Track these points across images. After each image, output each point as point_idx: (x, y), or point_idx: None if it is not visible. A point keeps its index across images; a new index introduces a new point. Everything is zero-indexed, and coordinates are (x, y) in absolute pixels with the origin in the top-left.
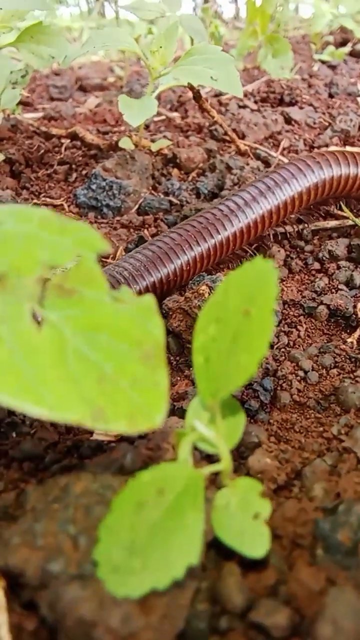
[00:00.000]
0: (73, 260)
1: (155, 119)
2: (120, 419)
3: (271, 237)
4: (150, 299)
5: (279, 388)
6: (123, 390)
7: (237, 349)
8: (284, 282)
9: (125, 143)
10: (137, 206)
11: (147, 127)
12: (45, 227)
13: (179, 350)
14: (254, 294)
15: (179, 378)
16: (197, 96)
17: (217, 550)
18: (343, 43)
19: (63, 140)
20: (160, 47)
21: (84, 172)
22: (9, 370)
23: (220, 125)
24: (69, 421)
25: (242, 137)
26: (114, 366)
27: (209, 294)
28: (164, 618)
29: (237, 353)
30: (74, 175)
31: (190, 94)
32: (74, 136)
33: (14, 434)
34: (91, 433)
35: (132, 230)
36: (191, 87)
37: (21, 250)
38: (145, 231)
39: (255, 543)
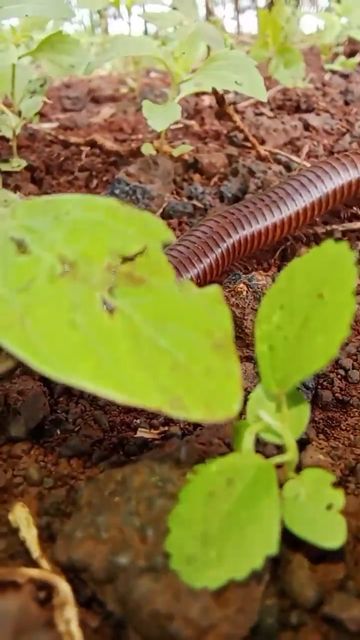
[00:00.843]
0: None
1: (173, 127)
2: (198, 408)
3: (302, 237)
4: (216, 289)
5: (319, 387)
6: (197, 378)
7: (309, 334)
8: None
9: (147, 149)
10: (161, 210)
11: (165, 134)
12: (112, 216)
13: None
14: (327, 276)
15: None
16: (220, 100)
17: (283, 543)
18: (352, 54)
19: (82, 148)
20: (183, 53)
21: (104, 178)
22: (87, 355)
23: (242, 131)
24: (149, 407)
25: (262, 142)
26: (186, 355)
27: (247, 292)
28: (240, 611)
29: (309, 338)
30: (95, 181)
31: (206, 103)
32: (92, 144)
33: (58, 431)
34: (135, 430)
35: None
36: (215, 92)
37: (90, 238)
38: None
39: (331, 533)
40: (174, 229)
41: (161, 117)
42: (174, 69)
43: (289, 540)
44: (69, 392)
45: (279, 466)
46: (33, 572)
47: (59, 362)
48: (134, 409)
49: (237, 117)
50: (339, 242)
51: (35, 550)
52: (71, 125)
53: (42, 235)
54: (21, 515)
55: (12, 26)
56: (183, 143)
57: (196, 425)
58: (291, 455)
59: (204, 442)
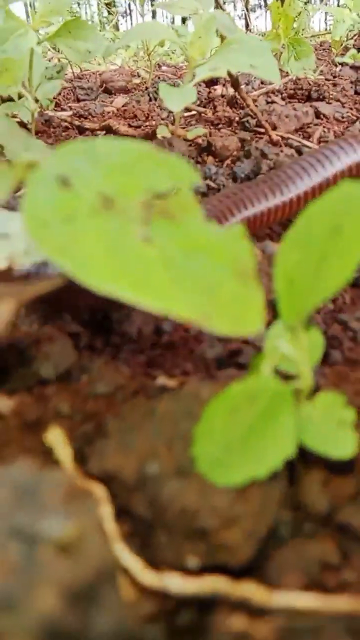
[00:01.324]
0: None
1: (186, 114)
2: (226, 324)
3: None
4: (239, 227)
5: (330, 347)
6: (224, 300)
7: (327, 265)
8: None
9: (163, 131)
10: None
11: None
12: (146, 159)
13: None
14: (344, 210)
15: (228, 340)
16: (235, 83)
17: (298, 461)
18: None
19: (97, 133)
20: (200, 37)
21: None
22: (127, 275)
23: (255, 115)
24: (183, 318)
25: (274, 128)
26: (214, 280)
27: (262, 258)
28: (260, 509)
29: (326, 268)
30: None
31: (218, 92)
32: (107, 129)
33: (85, 376)
34: (154, 378)
35: None
36: (230, 75)
37: (126, 178)
38: None
39: (341, 444)
40: None
41: (177, 98)
42: (189, 53)
43: (304, 458)
44: (92, 347)
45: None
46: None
47: (105, 279)
48: (155, 363)
49: (250, 101)
50: (352, 182)
51: (69, 466)
52: (85, 114)
53: (82, 173)
54: (57, 437)
55: (31, 11)
56: (186, 129)
57: (210, 376)
58: (306, 381)
59: (222, 383)
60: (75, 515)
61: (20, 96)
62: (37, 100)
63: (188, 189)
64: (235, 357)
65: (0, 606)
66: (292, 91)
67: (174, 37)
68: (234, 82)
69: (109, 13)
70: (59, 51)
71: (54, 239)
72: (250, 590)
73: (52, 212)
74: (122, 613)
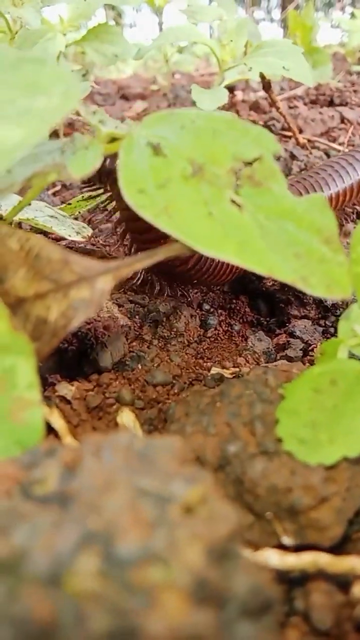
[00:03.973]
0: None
1: None
2: (321, 287)
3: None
4: (320, 196)
5: None
6: (316, 265)
7: None
8: None
9: None
10: None
11: None
12: (230, 126)
13: (269, 312)
14: None
15: (274, 335)
16: (267, 86)
17: None
18: None
19: None
20: (231, 40)
21: None
22: (228, 238)
23: (283, 117)
24: (285, 280)
25: (300, 131)
26: (304, 247)
27: None
28: (349, 490)
29: None
30: None
31: (239, 97)
32: None
33: (139, 366)
34: (208, 370)
35: None
36: (263, 77)
37: (214, 144)
38: None
39: None
40: None
41: (209, 99)
42: (220, 56)
43: None
44: (142, 338)
45: None
46: None
47: (207, 242)
48: (203, 355)
49: (280, 104)
50: None
51: None
52: None
53: (172, 140)
54: (129, 418)
55: (60, 16)
56: None
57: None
58: None
59: (285, 370)
60: (194, 480)
61: None
62: None
63: (271, 157)
64: (284, 350)
65: (153, 560)
66: (314, 97)
67: (206, 40)
68: (266, 84)
69: (117, 24)
70: (83, 54)
71: (152, 204)
72: (353, 563)
73: (147, 179)
74: (254, 571)
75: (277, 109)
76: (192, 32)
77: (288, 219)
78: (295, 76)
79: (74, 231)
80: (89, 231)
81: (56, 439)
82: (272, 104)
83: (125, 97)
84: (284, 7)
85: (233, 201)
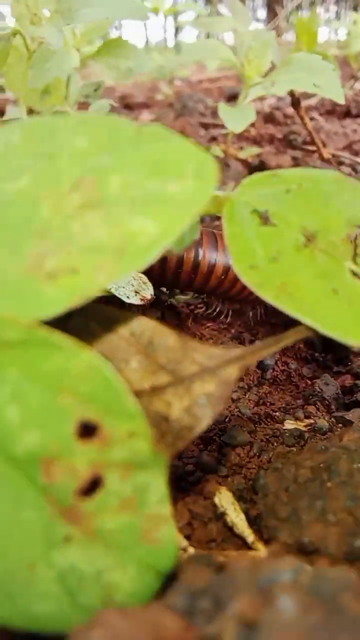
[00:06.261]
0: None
1: (224, 131)
2: None
3: None
4: None
5: None
6: None
7: None
8: None
9: (216, 151)
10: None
11: (214, 138)
12: (340, 188)
13: (324, 348)
14: None
15: (333, 373)
16: (297, 102)
17: None
18: None
19: None
20: (256, 56)
21: None
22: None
23: (310, 133)
24: None
25: (323, 145)
26: None
27: None
28: None
29: None
30: None
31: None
32: None
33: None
34: (282, 422)
35: None
36: (292, 94)
37: (325, 209)
38: None
39: None
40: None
41: (238, 119)
42: (246, 72)
43: None
44: None
45: None
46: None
47: (338, 326)
48: (266, 399)
49: (307, 120)
50: None
51: (249, 535)
52: None
53: (279, 207)
54: (227, 500)
55: (73, 31)
56: (241, 148)
57: (338, 418)
58: None
59: None
60: None
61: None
62: None
63: None
64: (352, 395)
65: None
66: (330, 107)
67: (231, 56)
68: (295, 100)
69: None
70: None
71: (268, 281)
72: None
73: (257, 251)
74: None
75: (305, 124)
76: (218, 49)
77: None
78: (327, 93)
79: (133, 290)
80: (149, 290)
81: None
82: (300, 119)
83: (129, 107)
84: (269, 6)
85: (354, 273)
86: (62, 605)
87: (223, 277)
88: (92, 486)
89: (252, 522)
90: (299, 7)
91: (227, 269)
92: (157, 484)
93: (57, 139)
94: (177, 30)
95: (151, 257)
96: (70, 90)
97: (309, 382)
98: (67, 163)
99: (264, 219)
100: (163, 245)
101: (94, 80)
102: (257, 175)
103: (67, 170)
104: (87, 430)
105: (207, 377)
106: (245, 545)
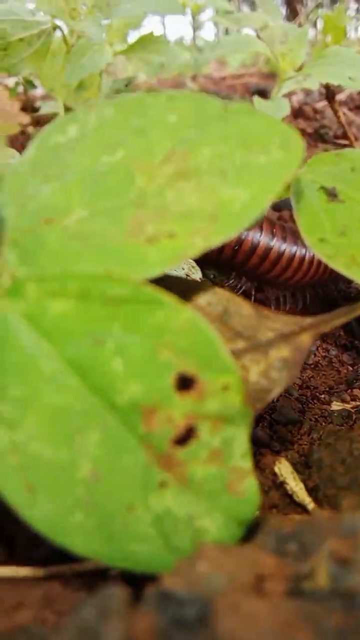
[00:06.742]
0: None
1: None
2: None
3: None
4: None
5: None
6: None
7: None
8: None
9: None
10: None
11: None
12: None
13: None
14: None
15: None
16: (331, 96)
17: None
18: None
19: None
20: (291, 50)
21: None
22: None
23: (343, 126)
24: None
25: (355, 139)
26: None
27: None
28: None
29: None
30: None
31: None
32: None
33: None
34: (329, 404)
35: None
36: (327, 87)
37: None
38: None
39: None
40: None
41: (273, 112)
42: (281, 65)
43: None
44: None
45: None
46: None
47: None
48: (309, 383)
49: (341, 113)
50: None
51: (309, 502)
52: None
53: (345, 184)
54: (287, 470)
55: (107, 25)
56: None
57: None
58: None
59: None
60: None
61: None
62: None
63: None
64: None
65: None
66: (359, 102)
67: (266, 49)
68: (330, 94)
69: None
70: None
71: (338, 253)
72: None
73: (324, 226)
74: None
75: (338, 117)
76: (253, 42)
77: None
78: None
79: (184, 273)
80: (198, 273)
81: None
82: (334, 113)
83: None
84: (289, 4)
85: None
86: (157, 546)
87: (277, 263)
88: (186, 436)
89: (310, 492)
90: (319, 5)
91: (281, 256)
92: (242, 439)
93: (148, 114)
94: (195, 27)
95: (245, 224)
96: (103, 85)
97: (350, 369)
98: (159, 136)
99: (332, 195)
100: (256, 213)
101: (123, 76)
102: (321, 155)
103: (159, 143)
104: (185, 383)
105: (282, 343)
106: (305, 513)
